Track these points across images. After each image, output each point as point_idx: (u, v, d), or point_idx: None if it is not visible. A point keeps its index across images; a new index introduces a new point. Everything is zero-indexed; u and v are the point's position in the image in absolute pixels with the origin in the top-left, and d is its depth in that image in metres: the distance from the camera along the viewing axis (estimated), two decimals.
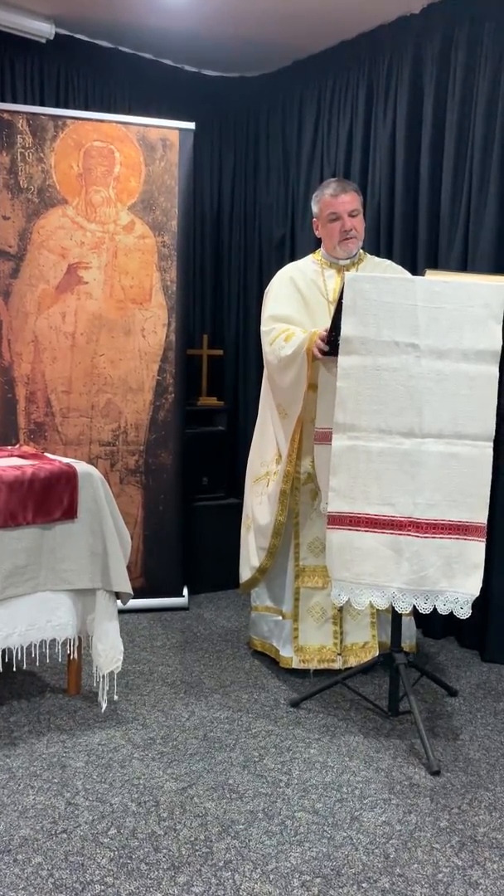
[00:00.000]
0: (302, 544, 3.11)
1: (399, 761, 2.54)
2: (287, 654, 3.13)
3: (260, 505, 3.18)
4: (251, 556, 3.22)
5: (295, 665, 3.10)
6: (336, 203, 3.05)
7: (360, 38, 3.96)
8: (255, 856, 2.05)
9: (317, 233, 3.20)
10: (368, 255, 3.24)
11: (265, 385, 3.26)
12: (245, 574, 3.27)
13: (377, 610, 3.05)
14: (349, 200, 3.06)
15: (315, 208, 3.15)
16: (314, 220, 3.18)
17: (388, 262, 3.31)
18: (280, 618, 3.19)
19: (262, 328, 3.12)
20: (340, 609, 3.09)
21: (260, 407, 3.34)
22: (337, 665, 3.07)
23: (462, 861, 2.05)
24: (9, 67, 3.95)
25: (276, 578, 3.19)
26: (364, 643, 3.12)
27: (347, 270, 3.15)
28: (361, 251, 3.20)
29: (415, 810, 2.27)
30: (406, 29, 3.71)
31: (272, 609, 3.23)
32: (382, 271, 3.20)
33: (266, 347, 3.06)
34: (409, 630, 3.23)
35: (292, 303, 3.09)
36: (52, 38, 3.94)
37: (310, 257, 3.28)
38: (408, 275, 3.21)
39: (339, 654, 3.09)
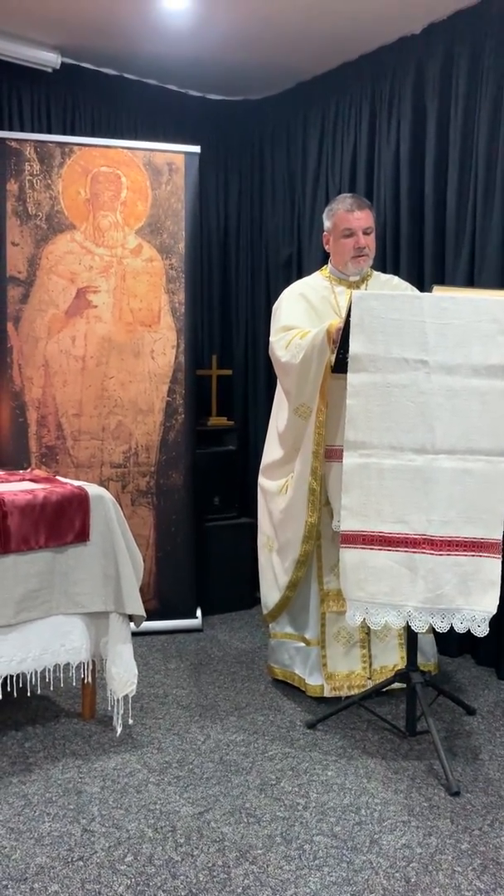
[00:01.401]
0: (325, 567, 3.04)
1: (418, 782, 2.50)
2: (316, 682, 3.05)
3: (281, 513, 3.08)
4: (278, 576, 3.10)
5: (326, 693, 3.02)
6: (351, 219, 3.06)
7: (361, 60, 4.00)
8: (274, 882, 2.02)
9: (327, 247, 3.20)
10: (375, 272, 3.25)
11: (277, 401, 3.24)
12: (273, 598, 3.13)
13: (404, 630, 2.97)
14: (364, 217, 3.07)
15: (328, 223, 3.14)
16: (325, 234, 3.17)
17: (396, 278, 3.31)
18: (302, 644, 3.11)
19: (273, 338, 3.09)
20: (368, 632, 3.04)
21: (270, 424, 3.31)
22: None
23: (484, 884, 2.01)
24: (16, 97, 4.01)
25: (298, 604, 3.10)
26: (393, 665, 3.05)
27: (357, 287, 3.15)
28: (369, 268, 3.20)
29: (435, 832, 2.24)
30: (407, 49, 3.74)
31: (293, 636, 3.15)
32: (391, 288, 3.20)
33: (280, 353, 3.00)
34: (432, 648, 3.19)
35: (304, 316, 3.06)
36: (58, 67, 4.00)
37: (317, 274, 3.28)
38: (414, 290, 3.21)
39: (370, 679, 3.03)
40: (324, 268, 3.27)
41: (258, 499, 3.29)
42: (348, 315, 2.53)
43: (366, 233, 3.08)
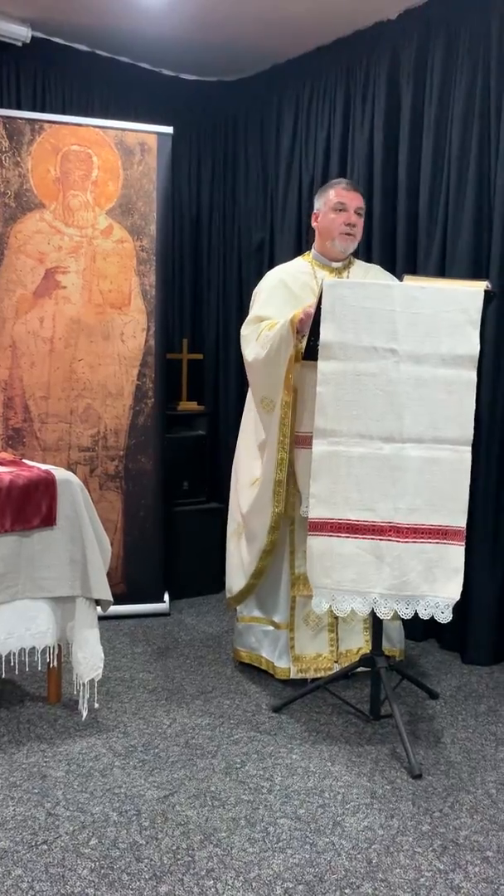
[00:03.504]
0: (297, 551, 3.04)
1: (381, 765, 2.54)
2: (283, 664, 3.08)
3: (251, 503, 3.07)
4: (245, 563, 3.11)
5: (293, 675, 3.05)
6: (346, 195, 3.05)
7: (337, 44, 3.97)
8: (238, 864, 2.04)
9: (315, 225, 3.14)
10: (357, 260, 3.23)
11: (251, 391, 3.23)
12: (238, 584, 3.14)
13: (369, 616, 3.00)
14: (358, 198, 3.08)
15: (319, 201, 3.10)
16: (315, 213, 3.13)
17: (377, 267, 3.29)
18: (270, 628, 3.13)
19: (244, 330, 3.07)
20: (336, 616, 3.06)
21: (244, 413, 3.30)
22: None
23: (444, 865, 2.06)
24: None
25: (267, 588, 3.12)
26: (358, 648, 3.09)
27: (339, 273, 3.14)
28: (351, 255, 3.18)
29: (397, 814, 2.28)
30: (383, 34, 3.72)
31: (261, 619, 3.16)
32: (373, 276, 3.18)
33: (250, 347, 3.00)
34: (399, 635, 3.23)
35: (283, 305, 3.02)
36: (28, 41, 3.91)
37: (299, 259, 3.25)
38: (395, 280, 3.21)
39: (336, 662, 3.06)
40: (306, 253, 3.24)
41: (231, 484, 3.28)
42: (319, 302, 2.53)
43: (357, 213, 3.07)
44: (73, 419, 3.76)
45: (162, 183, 3.84)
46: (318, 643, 3.07)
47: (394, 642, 3.18)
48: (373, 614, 2.67)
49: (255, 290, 3.19)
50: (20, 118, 3.64)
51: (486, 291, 2.56)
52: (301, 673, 3.06)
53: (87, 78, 4.22)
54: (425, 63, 3.54)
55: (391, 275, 3.27)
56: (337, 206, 3.05)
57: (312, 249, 3.21)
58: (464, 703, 3.03)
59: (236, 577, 3.17)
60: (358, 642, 3.11)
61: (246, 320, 3.11)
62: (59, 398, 3.72)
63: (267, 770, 2.50)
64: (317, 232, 3.16)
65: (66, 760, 2.53)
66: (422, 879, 2.00)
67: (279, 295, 3.08)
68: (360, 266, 3.22)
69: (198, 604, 4.15)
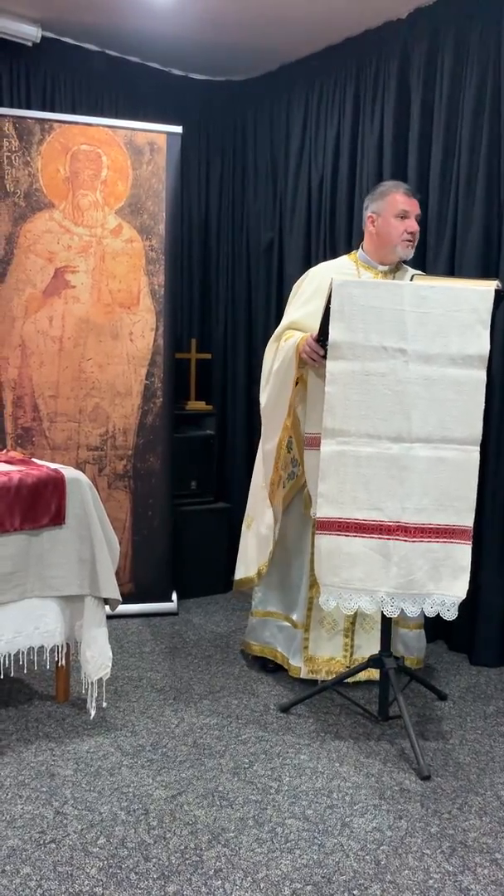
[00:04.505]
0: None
1: (389, 766, 2.54)
2: (296, 663, 3.08)
3: (269, 509, 3.08)
4: (249, 557, 3.14)
5: (303, 675, 3.05)
6: (409, 203, 2.99)
7: (346, 43, 3.96)
8: (246, 864, 2.04)
9: (372, 228, 3.04)
10: (405, 266, 3.12)
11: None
12: (239, 573, 3.21)
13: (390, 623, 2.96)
14: (417, 205, 3.03)
15: (378, 204, 3.02)
16: (371, 215, 3.03)
17: (424, 275, 3.24)
18: (287, 624, 3.14)
19: (271, 342, 3.07)
20: (353, 622, 3.05)
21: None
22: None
23: (453, 867, 2.05)
24: None
25: (287, 585, 3.13)
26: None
27: (385, 276, 3.06)
28: (403, 262, 3.10)
29: (405, 816, 2.27)
30: (393, 34, 3.71)
31: (278, 615, 3.17)
32: None
33: (268, 357, 3.06)
34: (419, 643, 3.20)
35: (315, 311, 2.93)
36: (38, 41, 3.92)
37: (344, 258, 3.19)
38: None
39: (348, 668, 3.03)
40: (352, 252, 3.18)
41: (252, 478, 3.26)
42: (328, 302, 2.53)
43: (416, 219, 3.02)
44: (82, 418, 3.76)
45: (171, 182, 3.84)
46: (333, 646, 3.06)
47: (411, 650, 3.16)
48: (381, 614, 2.66)
49: (294, 287, 3.16)
50: (30, 118, 3.65)
51: (496, 291, 2.55)
52: (312, 674, 3.05)
53: (96, 77, 4.23)
54: (435, 62, 3.53)
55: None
56: (401, 213, 2.98)
57: (359, 250, 3.13)
58: (472, 704, 3.02)
59: (239, 566, 3.22)
60: (376, 650, 3.08)
61: (281, 324, 3.08)
62: (68, 397, 3.73)
63: (275, 770, 2.50)
64: (371, 235, 3.06)
65: (75, 759, 2.53)
66: (430, 881, 1.99)
67: (316, 300, 2.97)
68: (406, 272, 3.10)
69: (205, 603, 4.15)
